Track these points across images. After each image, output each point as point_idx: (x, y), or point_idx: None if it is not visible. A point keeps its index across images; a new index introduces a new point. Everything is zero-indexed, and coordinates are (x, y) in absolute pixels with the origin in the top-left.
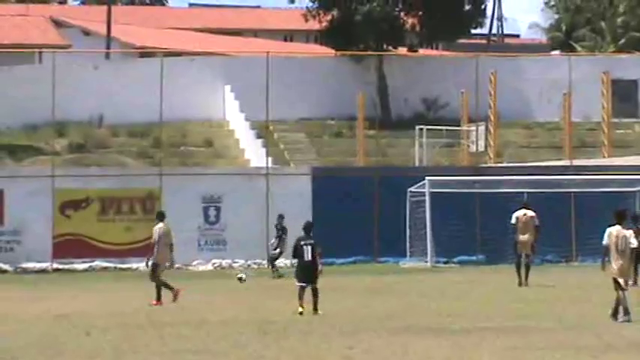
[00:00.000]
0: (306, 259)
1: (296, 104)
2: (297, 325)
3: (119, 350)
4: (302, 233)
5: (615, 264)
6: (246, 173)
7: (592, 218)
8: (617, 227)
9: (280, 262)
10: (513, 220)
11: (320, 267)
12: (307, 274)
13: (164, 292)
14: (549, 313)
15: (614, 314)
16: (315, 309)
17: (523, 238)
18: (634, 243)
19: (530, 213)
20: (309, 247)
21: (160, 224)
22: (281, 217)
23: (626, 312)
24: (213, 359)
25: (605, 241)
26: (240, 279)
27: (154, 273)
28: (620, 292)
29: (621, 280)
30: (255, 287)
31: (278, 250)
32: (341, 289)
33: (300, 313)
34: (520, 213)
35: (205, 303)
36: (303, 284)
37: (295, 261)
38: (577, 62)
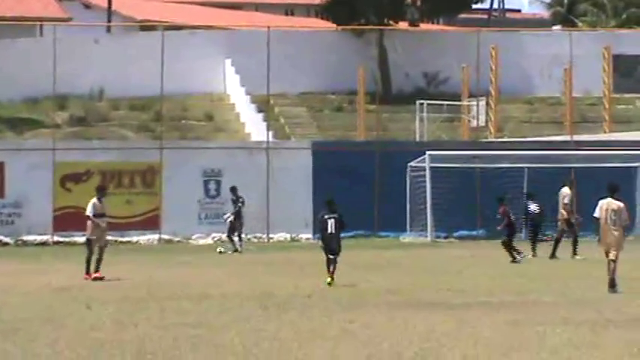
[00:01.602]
0: (329, 231)
1: (297, 78)
2: (297, 300)
3: (120, 323)
4: (325, 208)
5: (605, 236)
6: (246, 147)
7: (593, 193)
8: (608, 200)
9: (280, 237)
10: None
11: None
12: (331, 245)
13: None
14: (550, 288)
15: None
16: (332, 278)
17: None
18: (626, 219)
19: (566, 191)
20: (333, 221)
21: (94, 199)
22: (233, 188)
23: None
24: (214, 333)
25: (596, 214)
26: (220, 252)
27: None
28: (611, 264)
29: (611, 254)
30: (256, 261)
31: (236, 221)
32: (341, 264)
33: (329, 284)
34: (562, 190)
35: (206, 277)
36: (331, 256)
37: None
38: (578, 37)
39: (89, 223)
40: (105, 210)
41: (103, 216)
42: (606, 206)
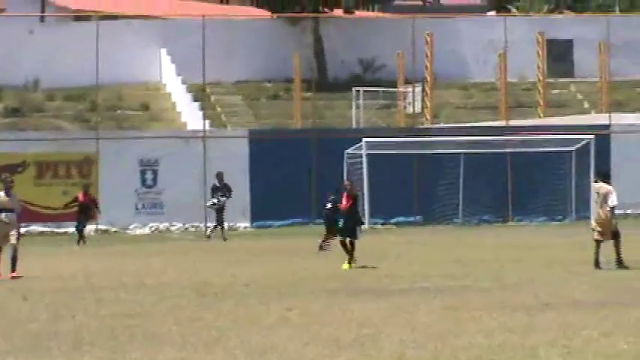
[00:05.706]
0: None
1: (232, 67)
2: (235, 288)
3: (57, 315)
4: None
5: (595, 218)
6: (183, 136)
7: (528, 178)
8: (600, 184)
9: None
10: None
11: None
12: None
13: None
14: (487, 273)
15: (596, 264)
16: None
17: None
18: (613, 201)
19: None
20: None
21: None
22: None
23: (618, 263)
24: (152, 322)
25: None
26: (213, 204)
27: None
28: (597, 245)
29: (597, 234)
30: (193, 251)
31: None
32: (278, 252)
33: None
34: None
35: (143, 267)
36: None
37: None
38: (513, 23)
39: None
40: (12, 204)
41: (10, 211)
42: (597, 190)
